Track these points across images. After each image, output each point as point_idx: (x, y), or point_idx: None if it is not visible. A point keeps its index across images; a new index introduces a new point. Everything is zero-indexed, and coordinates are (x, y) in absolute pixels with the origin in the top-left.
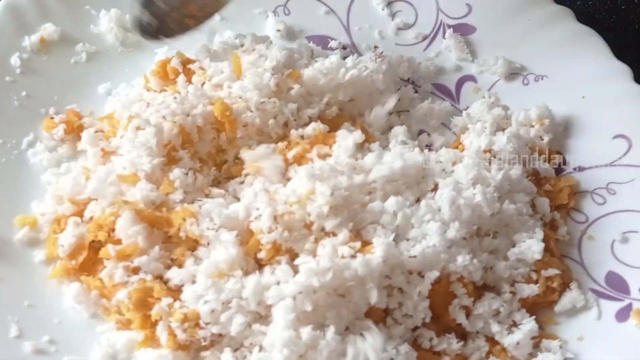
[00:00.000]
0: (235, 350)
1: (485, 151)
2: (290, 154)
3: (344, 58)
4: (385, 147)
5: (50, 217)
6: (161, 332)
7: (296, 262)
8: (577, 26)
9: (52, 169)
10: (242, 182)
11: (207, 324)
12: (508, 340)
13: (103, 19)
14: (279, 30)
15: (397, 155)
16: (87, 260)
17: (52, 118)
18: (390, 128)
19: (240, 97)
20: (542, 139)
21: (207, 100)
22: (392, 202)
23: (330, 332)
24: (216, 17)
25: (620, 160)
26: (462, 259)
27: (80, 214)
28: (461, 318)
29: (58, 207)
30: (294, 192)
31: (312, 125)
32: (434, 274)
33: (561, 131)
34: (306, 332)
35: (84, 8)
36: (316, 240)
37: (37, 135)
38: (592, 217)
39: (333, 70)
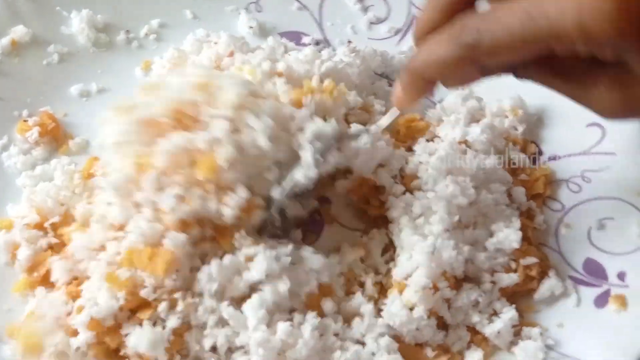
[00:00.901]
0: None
1: (460, 142)
2: None
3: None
4: None
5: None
6: None
7: None
8: None
9: (27, 171)
10: None
11: None
12: (489, 330)
13: (74, 20)
14: (251, 27)
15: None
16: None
17: (25, 121)
18: None
19: None
20: (517, 129)
21: None
22: None
23: (308, 328)
24: (188, 15)
25: (595, 148)
26: (447, 255)
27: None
28: (444, 311)
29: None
30: None
31: None
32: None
33: (535, 121)
34: (282, 328)
35: (55, 9)
36: None
37: (10, 138)
38: (568, 206)
39: (309, 62)
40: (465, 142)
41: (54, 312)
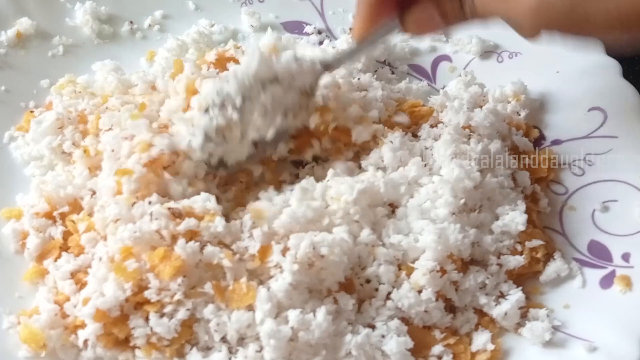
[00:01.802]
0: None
1: (464, 127)
2: None
3: (320, 43)
4: None
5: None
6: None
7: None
8: None
9: (35, 161)
10: None
11: None
12: (496, 312)
13: (78, 12)
14: (252, 26)
15: None
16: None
17: (32, 112)
18: None
19: None
20: (519, 115)
21: None
22: None
23: (322, 312)
24: (191, 6)
25: (597, 132)
26: (454, 239)
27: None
28: (451, 293)
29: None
30: None
31: None
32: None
33: (537, 106)
34: (294, 315)
35: (59, 1)
36: None
37: (18, 128)
38: (572, 189)
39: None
40: (469, 127)
41: (52, 307)
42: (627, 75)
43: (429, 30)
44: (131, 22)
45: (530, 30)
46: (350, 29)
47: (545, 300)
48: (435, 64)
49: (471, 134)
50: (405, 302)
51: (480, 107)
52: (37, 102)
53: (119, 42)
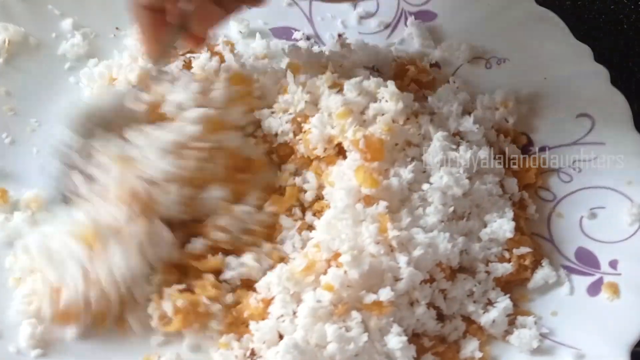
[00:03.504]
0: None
1: (453, 134)
2: None
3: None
4: None
5: None
6: None
7: None
8: (536, 9)
9: None
10: None
11: None
12: (484, 319)
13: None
14: (241, 32)
15: None
16: None
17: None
18: None
19: None
20: (508, 121)
21: None
22: None
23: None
24: None
25: (585, 139)
26: (443, 247)
27: None
28: (440, 302)
29: None
30: None
31: None
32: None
33: (525, 112)
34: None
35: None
36: None
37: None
38: (560, 195)
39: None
40: (458, 133)
41: None
42: (615, 82)
43: (214, 24)
44: (117, 29)
45: None
46: (339, 34)
47: (533, 308)
48: None
49: (460, 140)
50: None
51: (469, 113)
52: None
53: (104, 48)
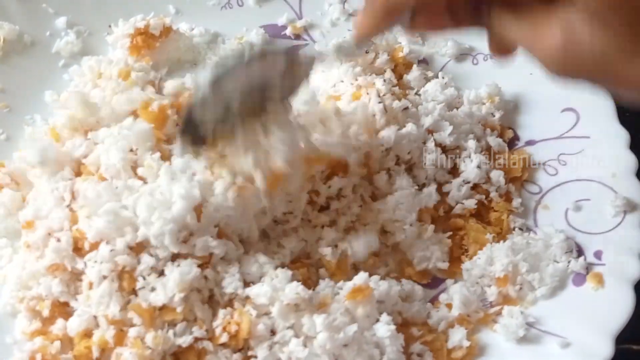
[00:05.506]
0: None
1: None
2: None
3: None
4: None
5: None
6: None
7: None
8: None
9: None
10: None
11: None
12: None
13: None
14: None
15: None
16: None
17: None
18: None
19: None
20: (494, 116)
21: None
22: None
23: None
24: (171, 10)
25: (570, 132)
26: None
27: None
28: None
29: None
30: None
31: None
32: None
33: (511, 107)
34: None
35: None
36: None
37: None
38: (546, 188)
39: None
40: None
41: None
42: None
43: (437, 30)
44: (110, 27)
45: (555, 73)
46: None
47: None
48: None
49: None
50: None
51: (456, 108)
52: None
53: (97, 45)
